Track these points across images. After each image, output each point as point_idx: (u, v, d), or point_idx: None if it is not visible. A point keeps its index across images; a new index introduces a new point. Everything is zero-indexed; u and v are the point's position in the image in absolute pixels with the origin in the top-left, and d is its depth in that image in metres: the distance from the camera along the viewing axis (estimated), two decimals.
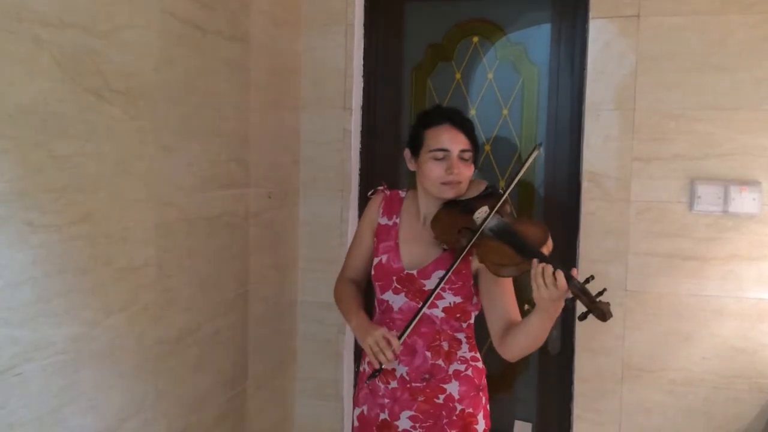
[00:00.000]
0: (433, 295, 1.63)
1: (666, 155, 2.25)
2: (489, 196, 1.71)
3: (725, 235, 2.21)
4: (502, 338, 1.62)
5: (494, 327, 1.65)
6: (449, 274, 1.63)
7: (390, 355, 1.57)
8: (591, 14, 2.29)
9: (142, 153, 1.61)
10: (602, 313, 1.39)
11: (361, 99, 2.60)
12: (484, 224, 1.61)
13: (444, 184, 1.69)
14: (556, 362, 2.48)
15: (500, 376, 2.58)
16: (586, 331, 2.34)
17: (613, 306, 2.25)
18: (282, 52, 2.41)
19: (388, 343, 1.58)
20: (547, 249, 1.54)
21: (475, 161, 1.74)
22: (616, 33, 2.27)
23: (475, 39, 2.55)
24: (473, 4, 2.54)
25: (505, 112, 2.53)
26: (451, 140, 1.68)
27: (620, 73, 2.27)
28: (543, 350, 2.49)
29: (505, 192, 1.66)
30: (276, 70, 2.36)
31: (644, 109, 2.26)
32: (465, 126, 1.71)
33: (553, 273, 1.41)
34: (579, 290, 1.41)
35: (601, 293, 1.43)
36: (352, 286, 1.88)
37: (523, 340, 1.56)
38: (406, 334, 1.63)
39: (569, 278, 1.42)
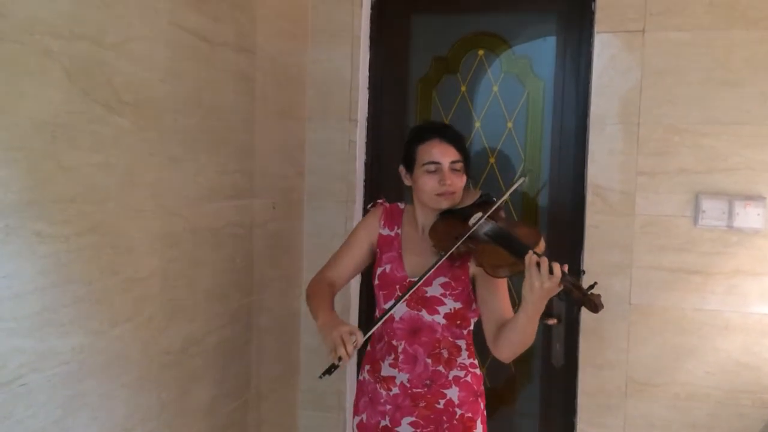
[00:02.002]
0: (416, 287, 1.68)
1: (670, 169, 2.25)
2: (483, 204, 1.77)
3: (729, 249, 2.21)
4: (495, 338, 1.68)
5: (489, 328, 1.71)
6: (438, 264, 1.67)
7: (350, 348, 1.54)
8: (596, 28, 2.30)
9: (150, 164, 1.62)
10: (594, 305, 1.46)
11: (367, 111, 2.61)
12: (477, 227, 1.67)
13: (439, 195, 1.75)
14: (559, 376, 2.47)
15: (504, 389, 2.57)
16: (589, 344, 2.34)
17: (617, 320, 2.29)
18: (288, 64, 2.42)
19: (351, 335, 1.57)
20: (539, 250, 1.59)
21: (467, 171, 1.79)
22: (621, 47, 2.28)
23: (481, 52, 2.56)
24: (479, 18, 2.56)
25: (509, 124, 2.54)
26: (441, 153, 1.75)
27: (625, 87, 2.28)
28: (546, 364, 2.49)
29: (497, 201, 1.74)
30: (282, 81, 2.37)
31: (649, 123, 2.27)
32: (454, 138, 1.78)
33: (550, 264, 1.49)
34: (571, 283, 1.48)
35: (592, 286, 1.47)
36: (327, 287, 1.85)
37: (513, 337, 1.62)
38: (372, 331, 1.66)
39: (562, 272, 1.48)
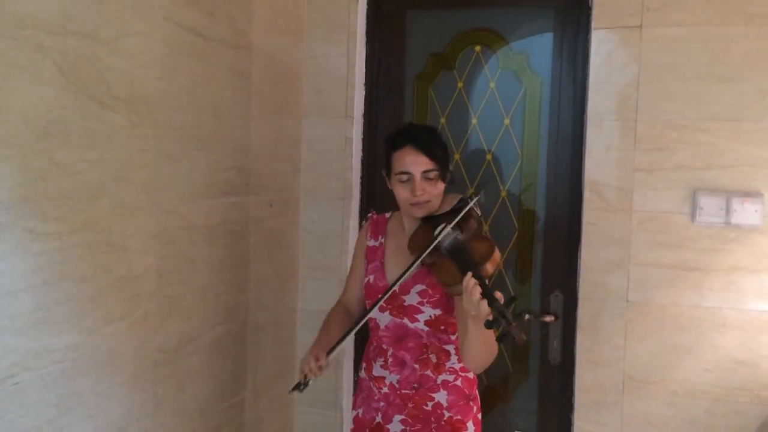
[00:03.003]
0: (387, 295, 1.68)
1: (668, 166, 2.24)
2: (456, 212, 1.72)
3: (727, 246, 2.21)
4: (460, 350, 1.66)
5: (460, 339, 1.67)
6: (400, 280, 1.67)
7: (312, 366, 1.68)
8: (593, 24, 2.29)
9: (144, 161, 1.60)
10: (512, 338, 1.38)
11: (363, 107, 2.60)
12: (441, 238, 1.64)
13: (412, 205, 1.73)
14: (556, 373, 2.47)
15: (500, 386, 2.57)
16: (586, 341, 2.33)
17: (614, 317, 2.29)
18: (284, 60, 2.41)
19: (316, 358, 1.69)
20: (492, 264, 1.55)
21: (443, 177, 1.74)
22: (618, 43, 2.27)
23: (477, 48, 2.55)
24: (476, 14, 2.54)
25: (506, 121, 2.53)
26: (412, 163, 1.70)
27: (622, 83, 2.27)
28: (543, 361, 2.49)
29: (452, 220, 1.67)
30: (278, 78, 2.36)
31: (646, 119, 2.26)
32: (426, 146, 1.71)
33: (479, 299, 1.42)
34: (499, 313, 1.41)
35: (520, 317, 1.41)
36: (338, 310, 1.95)
37: (471, 351, 1.59)
38: (335, 351, 1.72)
39: (492, 301, 1.41)
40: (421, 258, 1.63)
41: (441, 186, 1.74)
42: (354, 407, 1.93)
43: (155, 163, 1.65)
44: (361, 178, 2.60)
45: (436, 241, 1.63)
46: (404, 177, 1.71)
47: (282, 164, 2.43)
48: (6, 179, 1.20)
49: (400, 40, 2.61)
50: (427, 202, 1.72)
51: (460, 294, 1.54)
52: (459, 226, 1.67)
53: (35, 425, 1.30)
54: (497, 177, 2.54)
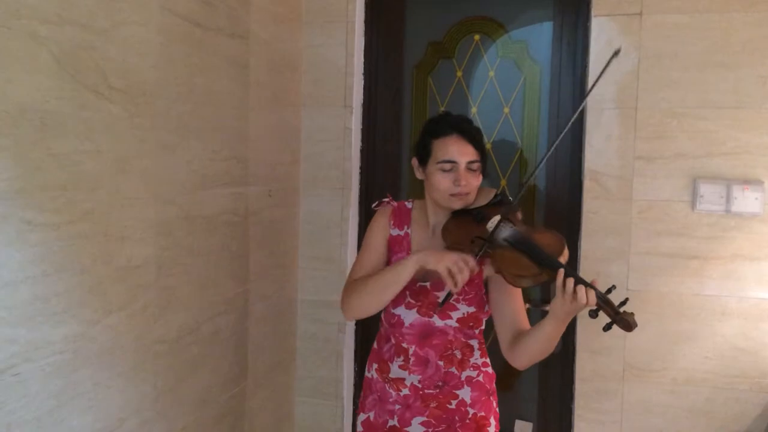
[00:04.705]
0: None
1: (668, 154, 2.24)
2: (499, 204, 1.68)
3: (727, 234, 2.20)
4: (512, 346, 1.61)
5: (504, 335, 1.65)
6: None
7: (467, 275, 1.53)
8: (593, 12, 2.28)
9: (142, 151, 1.59)
10: (627, 324, 1.38)
11: (362, 97, 2.58)
12: (496, 233, 1.58)
13: (452, 195, 1.66)
14: (557, 362, 2.47)
15: (501, 375, 2.56)
16: (587, 330, 2.33)
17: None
18: (282, 50, 2.40)
19: (466, 263, 1.53)
20: (564, 258, 1.51)
21: (483, 171, 1.70)
22: (618, 31, 2.26)
23: (477, 37, 2.53)
24: (475, 2, 2.53)
25: (506, 110, 2.52)
26: (458, 152, 1.65)
27: (622, 71, 2.26)
28: None
29: (501, 212, 1.63)
30: (276, 67, 2.34)
31: (646, 107, 2.25)
32: (473, 136, 1.67)
33: (575, 286, 1.41)
34: (603, 301, 1.41)
35: (623, 303, 1.41)
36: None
37: (534, 347, 1.56)
38: (479, 256, 1.57)
39: (593, 290, 1.41)
40: (482, 250, 1.56)
41: (480, 179, 1.70)
42: (363, 410, 1.83)
43: (153, 154, 1.64)
44: (361, 168, 2.60)
45: (493, 232, 1.58)
46: (448, 166, 1.65)
47: (281, 154, 2.42)
48: (2, 170, 1.20)
49: (398, 29, 2.60)
50: (467, 194, 1.66)
51: (531, 286, 1.52)
52: (509, 218, 1.62)
53: (35, 416, 1.30)
54: (497, 167, 2.53)
